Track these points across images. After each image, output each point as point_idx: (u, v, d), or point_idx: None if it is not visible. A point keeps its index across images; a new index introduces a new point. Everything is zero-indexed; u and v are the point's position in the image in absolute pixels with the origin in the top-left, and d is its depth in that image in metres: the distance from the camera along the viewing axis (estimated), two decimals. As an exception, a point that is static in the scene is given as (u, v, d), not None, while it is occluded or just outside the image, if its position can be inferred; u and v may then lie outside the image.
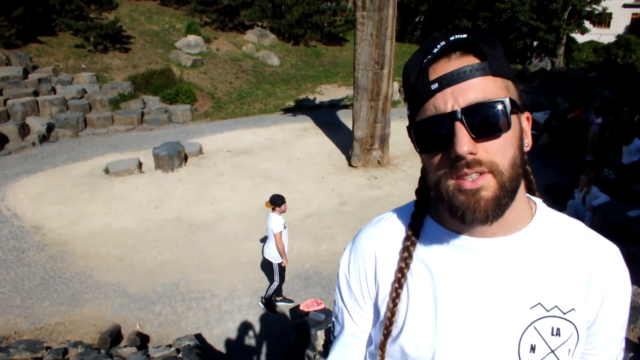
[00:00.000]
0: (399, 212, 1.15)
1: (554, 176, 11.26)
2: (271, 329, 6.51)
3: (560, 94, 15.58)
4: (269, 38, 25.17)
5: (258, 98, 19.04)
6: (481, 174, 0.86)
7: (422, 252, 1.06)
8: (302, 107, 18.29)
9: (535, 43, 30.61)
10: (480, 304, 0.99)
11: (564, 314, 0.98)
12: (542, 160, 12.45)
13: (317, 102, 19.25)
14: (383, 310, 1.10)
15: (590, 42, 31.83)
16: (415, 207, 1.11)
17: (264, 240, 7.48)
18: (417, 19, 38.83)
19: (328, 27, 27.68)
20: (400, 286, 1.05)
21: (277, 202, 6.48)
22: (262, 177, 11.36)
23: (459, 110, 0.85)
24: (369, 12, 10.65)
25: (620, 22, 36.49)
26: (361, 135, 11.79)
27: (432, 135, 0.90)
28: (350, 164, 12.22)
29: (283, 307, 6.91)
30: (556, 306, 0.98)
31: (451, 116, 0.86)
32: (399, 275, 1.05)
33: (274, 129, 15.29)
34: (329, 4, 28.54)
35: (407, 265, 1.05)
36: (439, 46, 0.89)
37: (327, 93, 20.60)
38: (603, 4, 30.22)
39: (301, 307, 6.11)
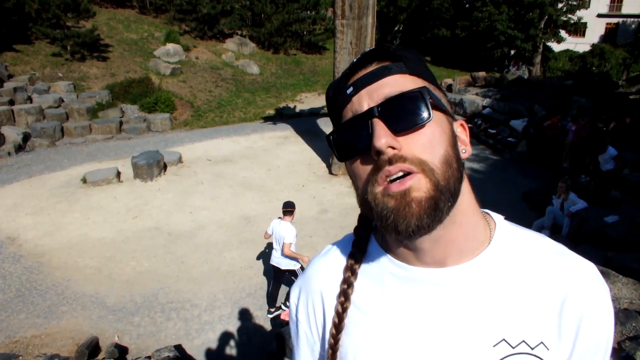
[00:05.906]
0: (349, 240, 1.04)
1: (532, 183, 11.44)
2: (252, 338, 6.46)
3: (538, 102, 15.80)
4: (249, 46, 25.19)
5: (238, 106, 19.01)
6: (410, 174, 0.77)
7: (366, 287, 0.95)
8: (282, 116, 18.33)
9: (512, 52, 31.11)
10: (436, 346, 0.87)
11: (532, 349, 0.85)
12: (521, 167, 12.64)
13: (297, 110, 19.31)
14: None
15: (566, 51, 32.45)
16: (353, 247, 1.00)
17: (269, 248, 7.53)
18: (396, 28, 39.29)
19: (308, 36, 27.81)
20: (338, 331, 0.95)
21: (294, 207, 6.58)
22: (242, 186, 11.31)
23: (375, 107, 0.81)
24: (349, 21, 10.72)
25: (595, 31, 37.45)
26: (342, 143, 11.80)
27: (351, 139, 0.84)
28: (330, 172, 12.24)
29: (263, 317, 6.87)
30: (523, 341, 0.85)
31: (368, 114, 0.81)
32: (336, 320, 0.96)
33: (254, 138, 15.26)
34: (308, 12, 28.68)
35: (344, 309, 0.95)
36: (355, 60, 0.87)
37: (307, 101, 20.67)
38: (578, 13, 30.93)
39: (282, 317, 6.08)
